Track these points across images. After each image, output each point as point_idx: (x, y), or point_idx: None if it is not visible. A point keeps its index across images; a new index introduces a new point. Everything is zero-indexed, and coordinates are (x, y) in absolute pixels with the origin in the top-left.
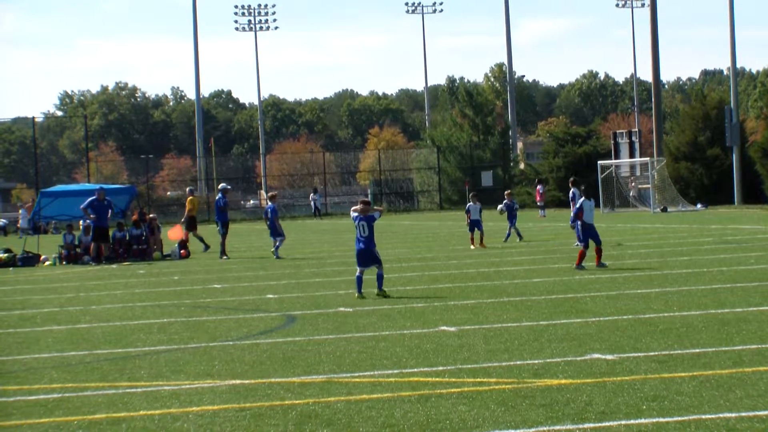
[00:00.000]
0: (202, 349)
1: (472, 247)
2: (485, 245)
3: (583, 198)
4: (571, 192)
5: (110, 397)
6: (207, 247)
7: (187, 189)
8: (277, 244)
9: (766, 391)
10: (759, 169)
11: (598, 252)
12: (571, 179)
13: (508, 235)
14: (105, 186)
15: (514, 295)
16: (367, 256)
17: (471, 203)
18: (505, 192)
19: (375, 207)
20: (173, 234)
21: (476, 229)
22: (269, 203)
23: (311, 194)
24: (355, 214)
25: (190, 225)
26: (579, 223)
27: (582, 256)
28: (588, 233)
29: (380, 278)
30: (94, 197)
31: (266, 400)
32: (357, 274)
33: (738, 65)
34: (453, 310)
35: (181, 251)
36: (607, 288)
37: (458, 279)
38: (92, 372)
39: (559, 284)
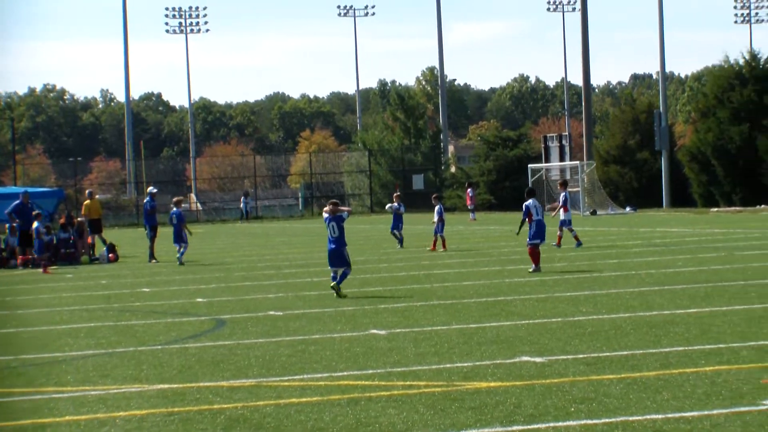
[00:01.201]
0: (130, 354)
1: (441, 250)
2: (446, 248)
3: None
4: (563, 195)
5: (36, 403)
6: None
7: (86, 192)
8: (182, 250)
9: (692, 393)
10: (687, 172)
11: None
12: (561, 182)
13: (401, 239)
14: (31, 189)
15: (444, 298)
16: (337, 256)
17: (436, 205)
18: (394, 195)
19: (342, 207)
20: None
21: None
22: (174, 208)
23: (242, 197)
24: (326, 215)
25: (94, 228)
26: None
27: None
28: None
29: (344, 276)
30: (18, 201)
31: (195, 405)
32: (332, 275)
33: (667, 69)
34: (383, 314)
35: (110, 255)
36: (536, 291)
37: (388, 282)
38: (18, 377)
39: (489, 287)
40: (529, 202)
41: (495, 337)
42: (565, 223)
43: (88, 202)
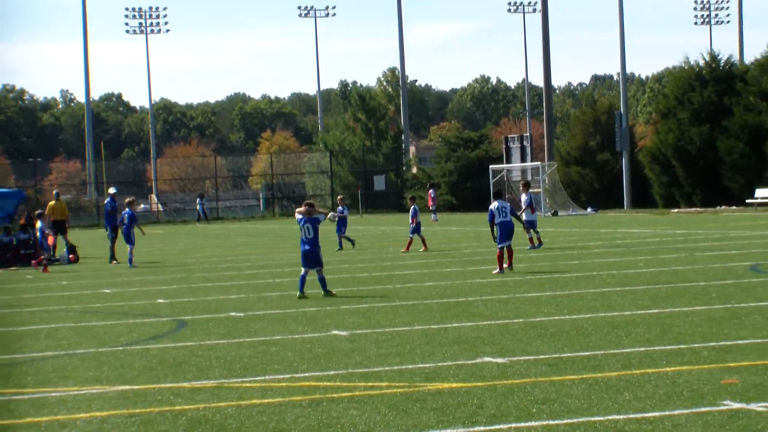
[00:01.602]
0: (91, 355)
1: (403, 251)
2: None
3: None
4: (526, 196)
5: None
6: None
7: (54, 192)
8: (128, 251)
9: (654, 393)
10: (648, 173)
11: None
12: (524, 183)
13: (341, 243)
14: None
15: (406, 299)
16: (312, 257)
17: (411, 205)
18: (338, 197)
19: (320, 209)
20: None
21: (417, 233)
22: (127, 209)
23: (198, 199)
24: (300, 216)
25: (59, 229)
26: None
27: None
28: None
29: (322, 281)
30: None
31: (156, 406)
32: (302, 273)
33: (627, 71)
34: (345, 314)
35: (70, 256)
36: (498, 292)
37: (350, 283)
38: None
39: (451, 288)
40: (493, 204)
41: (457, 338)
42: (532, 225)
43: (53, 203)
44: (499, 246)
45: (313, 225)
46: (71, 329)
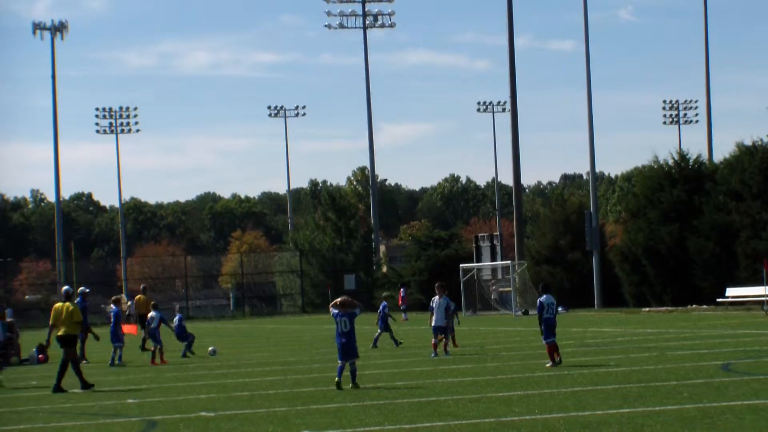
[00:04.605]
0: None
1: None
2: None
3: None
4: (436, 300)
5: None
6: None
7: (141, 287)
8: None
9: None
10: (618, 272)
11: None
12: (438, 285)
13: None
14: None
15: (377, 399)
16: (349, 349)
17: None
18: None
19: (355, 302)
20: (128, 329)
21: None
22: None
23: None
24: (336, 310)
25: (142, 322)
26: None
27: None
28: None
29: (354, 371)
30: None
31: None
32: (339, 365)
33: (597, 169)
34: (315, 414)
35: (40, 356)
36: (469, 391)
37: (321, 383)
38: None
39: (422, 387)
40: (542, 297)
41: None
42: (443, 331)
43: (139, 297)
44: (547, 341)
45: (350, 319)
46: (40, 430)
